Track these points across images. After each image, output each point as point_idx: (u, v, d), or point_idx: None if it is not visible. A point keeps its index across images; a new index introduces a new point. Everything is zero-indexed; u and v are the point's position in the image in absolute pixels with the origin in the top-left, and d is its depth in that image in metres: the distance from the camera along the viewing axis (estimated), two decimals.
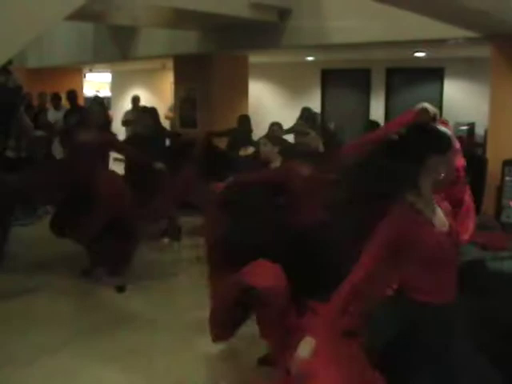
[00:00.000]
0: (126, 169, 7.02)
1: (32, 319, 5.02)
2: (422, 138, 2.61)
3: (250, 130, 9.16)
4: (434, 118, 3.17)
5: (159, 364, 4.17)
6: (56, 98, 10.71)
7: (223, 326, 3.69)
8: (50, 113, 10.58)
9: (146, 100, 13.95)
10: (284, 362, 2.80)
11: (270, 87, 14.01)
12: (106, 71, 17.07)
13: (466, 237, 3.29)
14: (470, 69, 10.93)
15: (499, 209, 6.94)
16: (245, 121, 9.13)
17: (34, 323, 4.92)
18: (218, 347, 4.20)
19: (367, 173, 2.72)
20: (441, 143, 2.62)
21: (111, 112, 14.05)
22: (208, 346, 4.19)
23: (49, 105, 10.98)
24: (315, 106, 13.08)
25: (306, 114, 9.29)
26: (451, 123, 10.91)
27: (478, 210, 4.40)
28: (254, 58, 11.14)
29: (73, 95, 10.40)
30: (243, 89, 10.94)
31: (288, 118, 13.28)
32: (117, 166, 7.39)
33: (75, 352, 4.37)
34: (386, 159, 2.60)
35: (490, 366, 2.53)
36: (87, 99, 15.26)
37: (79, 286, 5.85)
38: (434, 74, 11.75)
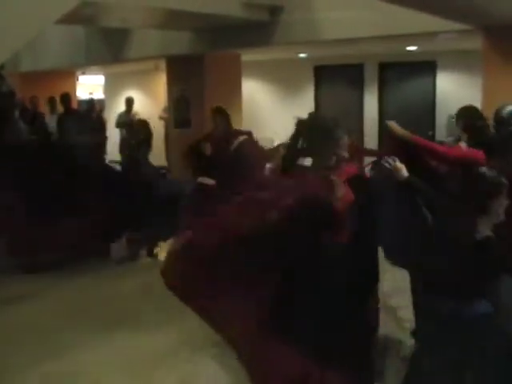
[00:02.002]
0: None
1: (29, 324, 5.02)
2: None
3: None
4: None
5: (159, 365, 4.18)
6: (51, 102, 10.72)
7: None
8: (46, 117, 10.62)
9: (139, 101, 13.95)
10: None
11: (263, 85, 14.02)
12: (99, 73, 17.04)
13: None
14: (462, 61, 10.95)
15: None
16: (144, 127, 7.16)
17: (31, 328, 4.91)
18: (219, 347, 4.21)
19: None
20: None
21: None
22: (208, 347, 4.21)
23: (44, 109, 11.00)
24: (309, 102, 13.12)
25: None
26: (445, 116, 10.97)
27: None
28: (247, 57, 11.15)
29: (66, 98, 10.39)
30: (236, 87, 10.95)
31: (281, 115, 13.33)
32: None
33: (75, 356, 4.37)
34: None
35: None
36: (81, 102, 15.26)
37: (75, 290, 5.86)
38: (426, 68, 11.78)
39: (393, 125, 3.90)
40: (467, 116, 4.52)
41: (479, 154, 3.78)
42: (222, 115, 6.36)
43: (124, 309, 5.34)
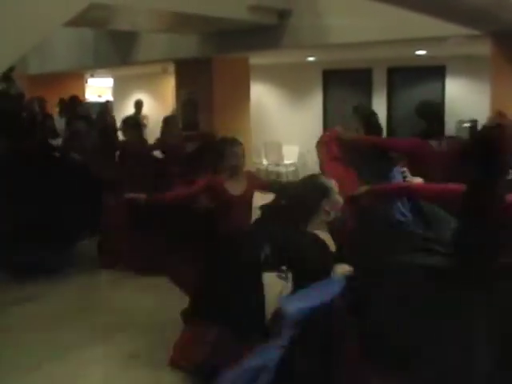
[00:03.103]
0: None
1: (30, 326, 5.02)
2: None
3: None
4: None
5: (161, 366, 4.16)
6: (61, 104, 10.74)
7: None
8: (55, 119, 10.61)
9: (148, 104, 13.99)
10: None
11: (271, 89, 14.00)
12: (108, 76, 17.10)
13: None
14: (471, 66, 10.90)
15: None
16: None
17: (33, 330, 4.92)
18: None
19: None
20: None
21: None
22: None
23: (52, 111, 11.00)
24: (317, 106, 13.11)
25: None
26: (454, 121, 10.91)
27: None
28: (255, 60, 11.15)
29: (74, 101, 10.41)
30: (244, 91, 10.95)
31: (289, 119, 13.33)
32: None
33: (78, 357, 4.37)
34: None
35: None
36: (91, 105, 15.29)
37: (75, 292, 5.86)
38: (435, 73, 11.72)
39: (341, 130, 4.66)
40: (363, 111, 5.34)
41: (424, 143, 4.73)
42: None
43: (124, 310, 5.34)
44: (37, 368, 4.19)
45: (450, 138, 5.21)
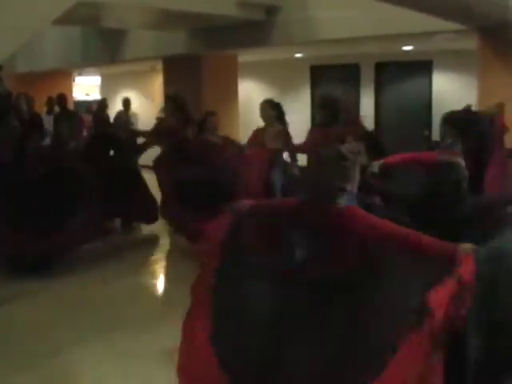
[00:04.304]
0: None
1: (28, 324, 5.01)
2: None
3: None
4: None
5: (157, 367, 4.16)
6: (49, 102, 10.69)
7: None
8: (43, 117, 10.55)
9: (136, 102, 13.94)
10: None
11: (260, 85, 14.02)
12: (96, 74, 17.04)
13: None
14: (458, 61, 10.97)
15: None
16: None
17: (27, 328, 4.90)
18: None
19: None
20: None
21: None
22: None
23: (40, 109, 10.95)
24: (305, 102, 13.14)
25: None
26: (441, 116, 11.06)
27: None
28: (243, 57, 11.16)
29: (62, 99, 10.36)
30: (233, 88, 10.96)
31: None
32: None
33: (72, 356, 4.36)
34: None
35: None
36: (77, 103, 15.21)
37: (73, 289, 5.85)
38: (422, 67, 11.79)
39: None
40: (278, 106, 6.57)
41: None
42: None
43: (123, 308, 5.34)
44: (33, 365, 4.18)
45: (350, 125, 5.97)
